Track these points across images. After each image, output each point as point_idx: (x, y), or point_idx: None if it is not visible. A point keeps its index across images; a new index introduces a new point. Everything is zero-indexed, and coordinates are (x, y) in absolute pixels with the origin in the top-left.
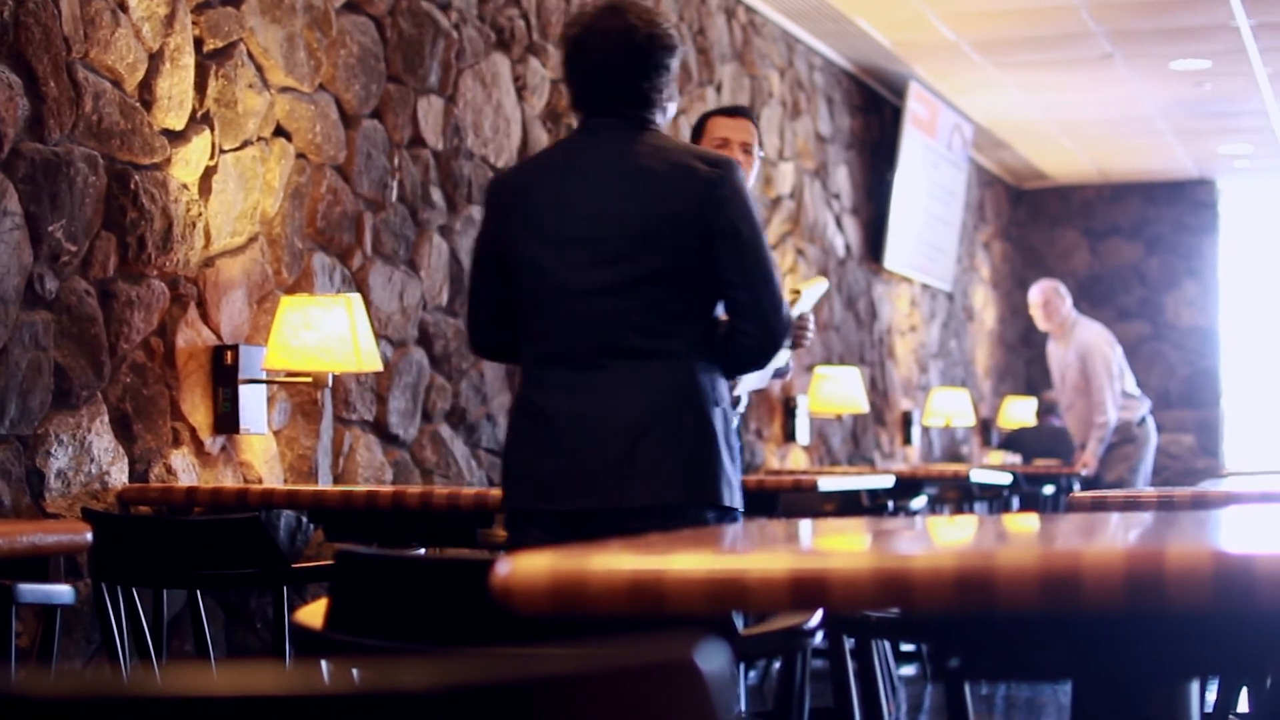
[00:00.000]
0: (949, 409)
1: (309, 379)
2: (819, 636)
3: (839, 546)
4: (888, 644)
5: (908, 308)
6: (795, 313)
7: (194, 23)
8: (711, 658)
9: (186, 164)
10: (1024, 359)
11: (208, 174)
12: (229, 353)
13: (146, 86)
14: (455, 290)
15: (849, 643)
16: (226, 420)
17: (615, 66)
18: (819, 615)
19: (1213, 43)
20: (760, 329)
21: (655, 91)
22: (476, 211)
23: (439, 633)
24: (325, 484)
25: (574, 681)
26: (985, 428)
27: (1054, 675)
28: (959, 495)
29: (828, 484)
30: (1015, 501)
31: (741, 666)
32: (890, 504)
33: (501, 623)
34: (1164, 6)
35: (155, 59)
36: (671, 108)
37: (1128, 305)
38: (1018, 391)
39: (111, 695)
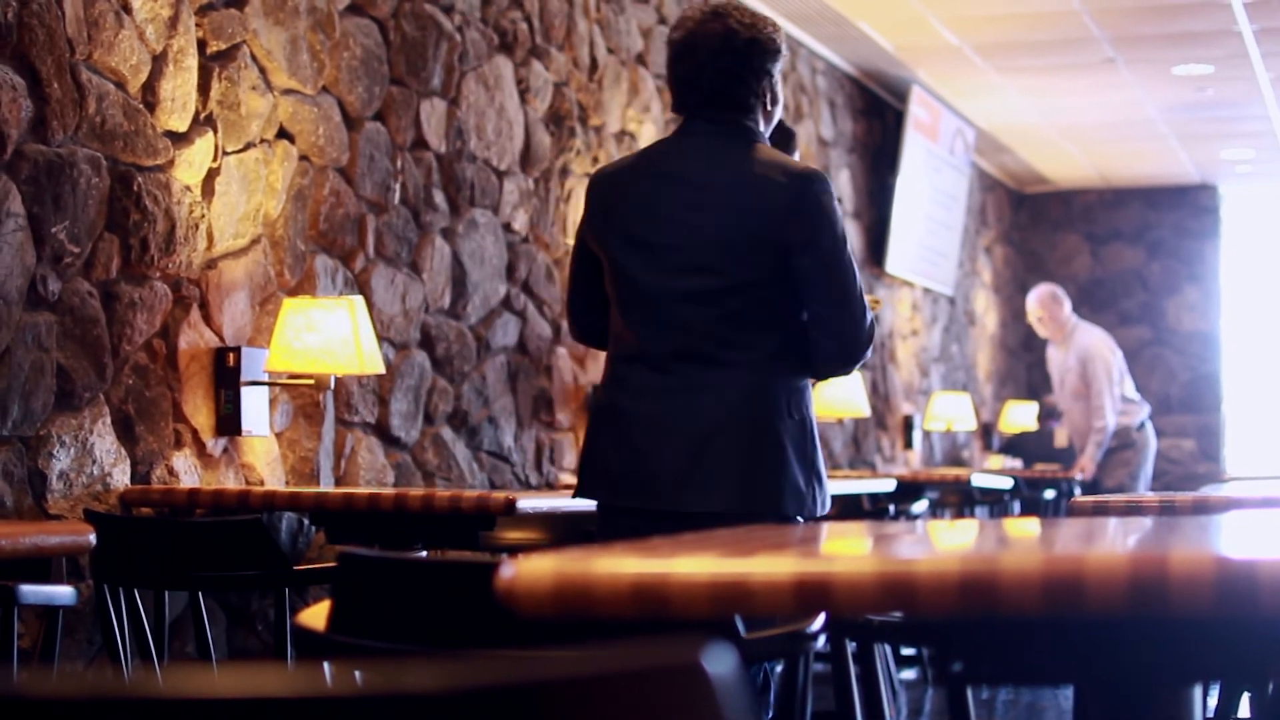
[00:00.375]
0: (950, 413)
1: (311, 381)
2: (821, 640)
3: (842, 550)
4: (888, 647)
5: (909, 312)
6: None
7: (197, 25)
8: (718, 661)
9: (189, 166)
10: (1025, 363)
11: (210, 176)
12: (231, 354)
13: (150, 88)
14: (457, 293)
15: (851, 646)
16: (228, 422)
17: (714, 70)
18: (821, 619)
19: (1215, 48)
20: (837, 343)
21: (753, 96)
22: (479, 214)
23: (442, 635)
24: (327, 486)
25: (580, 684)
26: (986, 432)
27: (1056, 679)
28: (960, 499)
29: (829, 488)
30: (1016, 506)
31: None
32: (891, 508)
33: (505, 625)
34: (1166, 11)
35: (159, 61)
36: (776, 111)
37: (1129, 310)
38: (1019, 396)
39: (113, 697)
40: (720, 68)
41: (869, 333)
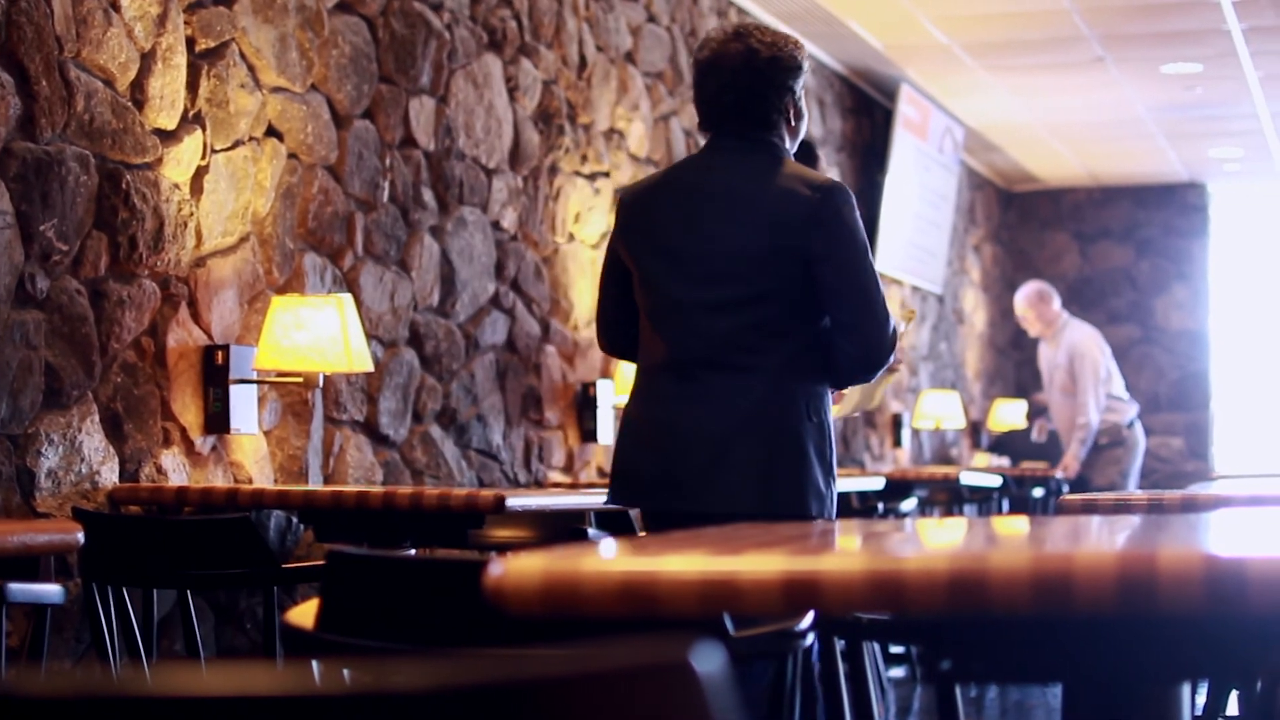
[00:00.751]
0: (939, 411)
1: (300, 379)
2: (810, 638)
3: (831, 549)
4: (877, 646)
5: (898, 310)
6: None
7: (186, 22)
8: (707, 659)
9: (178, 164)
10: (1014, 362)
11: (199, 174)
12: (220, 353)
13: (138, 86)
14: (446, 291)
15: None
16: (217, 420)
17: (737, 89)
18: (810, 617)
19: (1204, 46)
20: (862, 349)
21: (776, 112)
22: (468, 212)
23: (431, 634)
24: (315, 484)
25: (570, 683)
26: (975, 430)
27: (1045, 678)
28: (948, 498)
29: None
30: (1005, 504)
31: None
32: (880, 506)
33: (494, 624)
34: (1155, 10)
35: (147, 59)
36: (801, 126)
37: (1118, 308)
38: (1008, 394)
39: (102, 695)
40: (743, 86)
41: (892, 339)
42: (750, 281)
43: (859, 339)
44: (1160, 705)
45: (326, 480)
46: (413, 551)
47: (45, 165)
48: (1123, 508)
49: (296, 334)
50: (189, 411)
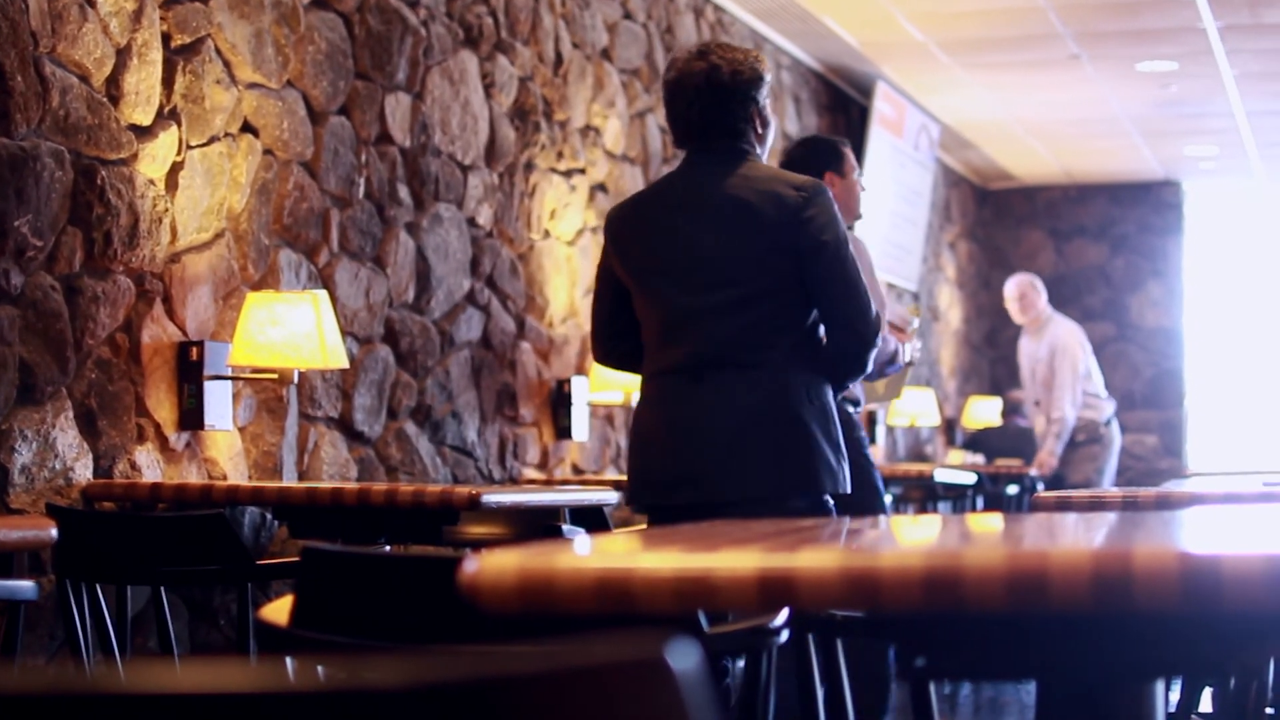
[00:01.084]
0: (914, 409)
1: (274, 375)
2: (784, 635)
3: (806, 546)
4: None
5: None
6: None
7: (162, 18)
8: (682, 656)
9: (153, 160)
10: (989, 359)
11: (174, 170)
12: (194, 349)
13: (114, 82)
14: (421, 287)
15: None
16: (191, 416)
17: (704, 106)
18: (785, 614)
19: (1179, 44)
20: (850, 331)
21: (743, 122)
22: (443, 208)
23: (406, 630)
24: (290, 481)
25: (546, 679)
26: (950, 427)
27: (1020, 675)
28: (923, 495)
29: None
30: (979, 501)
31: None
32: None
33: (468, 620)
34: (1131, 8)
35: (123, 54)
36: (767, 132)
37: (1092, 306)
38: (982, 391)
39: (75, 692)
40: (710, 102)
41: (876, 321)
42: (748, 282)
43: (845, 325)
44: (1135, 703)
45: (301, 477)
46: (387, 548)
47: (20, 161)
48: (1097, 505)
49: (271, 330)
50: (163, 408)
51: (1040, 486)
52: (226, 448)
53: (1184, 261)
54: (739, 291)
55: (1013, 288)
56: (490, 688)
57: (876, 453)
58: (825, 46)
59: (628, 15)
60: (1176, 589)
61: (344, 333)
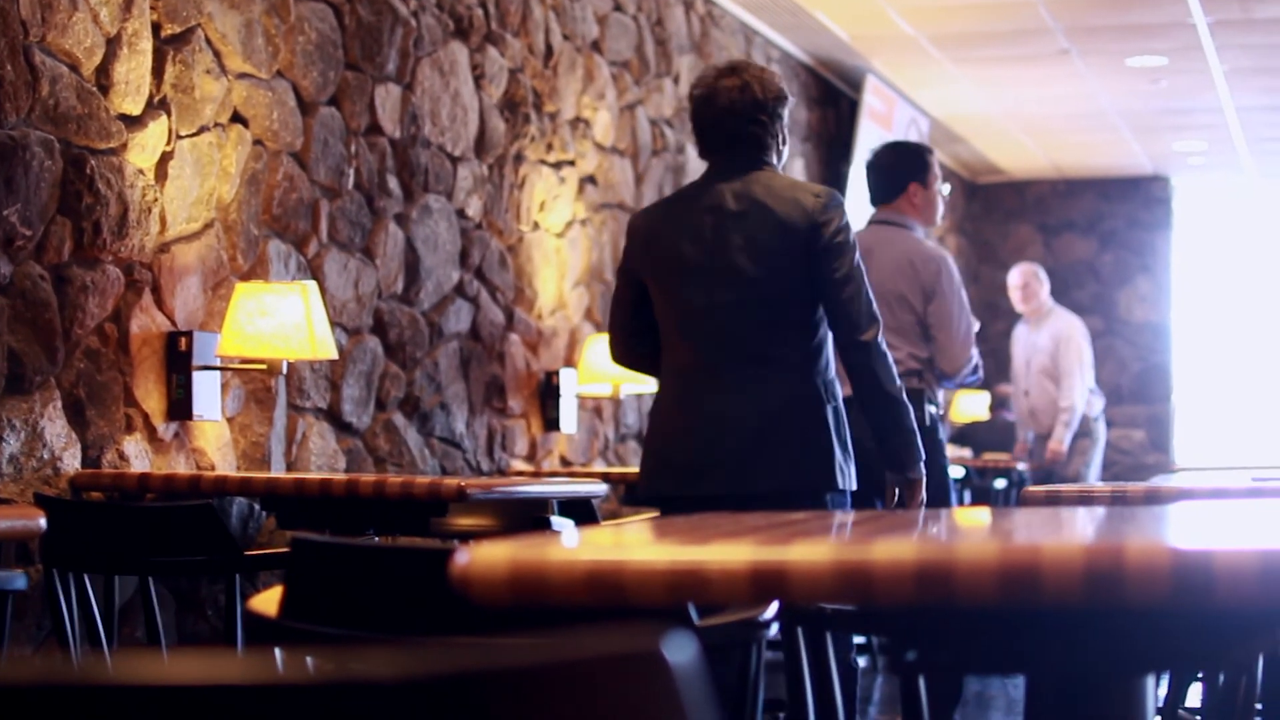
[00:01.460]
0: None
1: (263, 366)
2: (774, 628)
3: (798, 539)
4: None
5: None
6: None
7: (152, 8)
8: (678, 649)
9: (143, 149)
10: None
11: (164, 159)
12: (183, 339)
13: (104, 71)
14: (410, 279)
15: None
16: (180, 406)
17: (736, 118)
18: (774, 607)
19: (1169, 40)
20: (858, 321)
21: (770, 137)
22: (433, 200)
23: (396, 621)
24: (278, 471)
25: (541, 673)
26: None
27: (1009, 669)
28: None
29: None
30: (966, 495)
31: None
32: None
33: (459, 612)
34: (1121, 3)
35: (113, 44)
36: (785, 149)
37: (1081, 300)
38: (970, 386)
39: (62, 683)
40: (742, 118)
41: (877, 324)
42: (768, 283)
43: (859, 315)
44: (1124, 697)
45: (289, 467)
46: (375, 539)
47: (9, 150)
48: (1086, 500)
49: (260, 321)
50: (152, 398)
51: (1028, 481)
52: (215, 438)
53: (1172, 257)
54: (760, 292)
55: (1016, 276)
56: (485, 681)
57: None
58: (815, 40)
59: (618, 7)
60: (1168, 584)
61: (333, 323)
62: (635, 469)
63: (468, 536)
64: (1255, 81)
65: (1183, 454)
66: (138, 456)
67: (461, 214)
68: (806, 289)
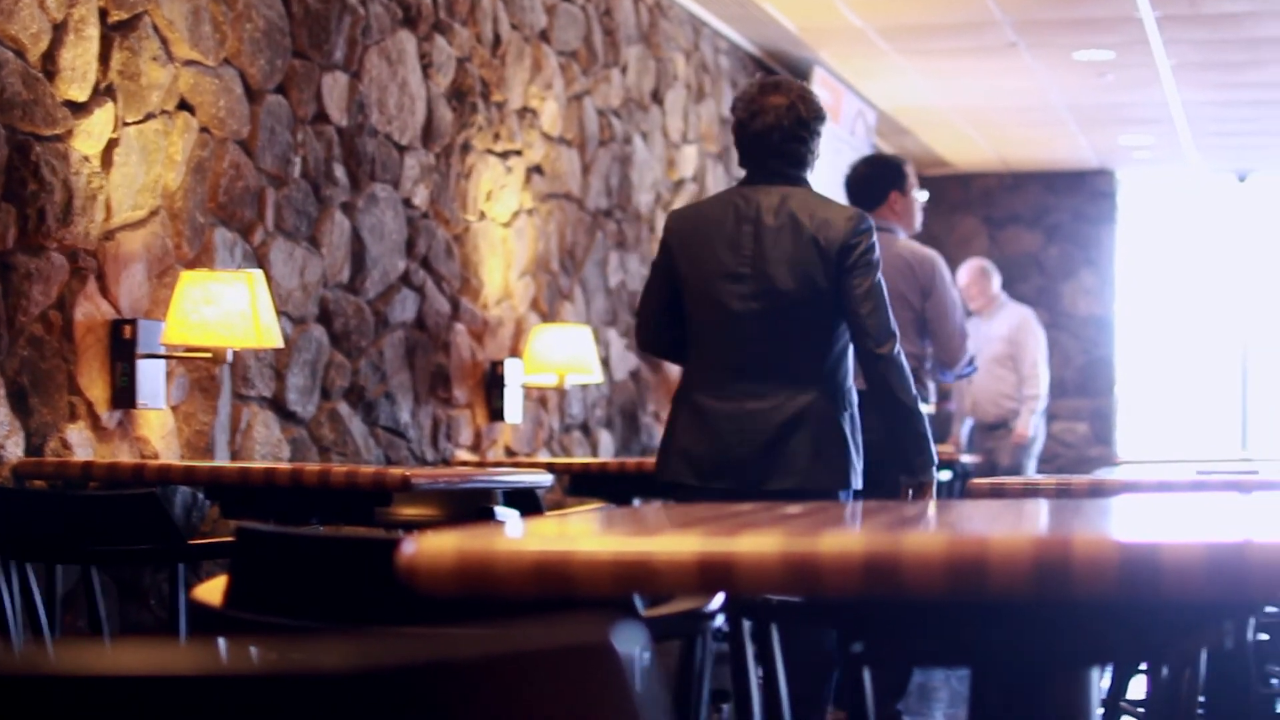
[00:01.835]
0: None
1: (208, 354)
2: (720, 619)
3: (745, 530)
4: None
5: None
6: None
7: None
8: (626, 639)
9: (89, 136)
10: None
11: (110, 146)
12: (127, 327)
13: (50, 57)
14: (356, 268)
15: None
16: (124, 395)
17: (778, 133)
18: (719, 598)
19: (1116, 34)
20: (879, 333)
21: (809, 153)
22: (380, 188)
23: (341, 611)
24: (222, 460)
25: (490, 664)
26: None
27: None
28: None
29: None
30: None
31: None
32: None
33: (404, 602)
34: None
35: (59, 29)
36: (816, 163)
37: (1025, 293)
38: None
39: (3, 672)
40: (788, 135)
41: (895, 338)
42: (790, 292)
43: (878, 327)
44: (1069, 689)
45: (233, 456)
46: (320, 529)
47: None
48: (1030, 492)
49: (205, 309)
50: (96, 386)
51: (970, 473)
52: (159, 427)
53: (1117, 250)
54: (790, 303)
55: (964, 276)
56: (433, 672)
57: None
58: (763, 31)
59: None
60: (1115, 577)
61: (278, 312)
62: (579, 459)
63: (412, 526)
64: (1202, 76)
65: (1126, 447)
66: (81, 445)
67: (408, 203)
68: (832, 303)
